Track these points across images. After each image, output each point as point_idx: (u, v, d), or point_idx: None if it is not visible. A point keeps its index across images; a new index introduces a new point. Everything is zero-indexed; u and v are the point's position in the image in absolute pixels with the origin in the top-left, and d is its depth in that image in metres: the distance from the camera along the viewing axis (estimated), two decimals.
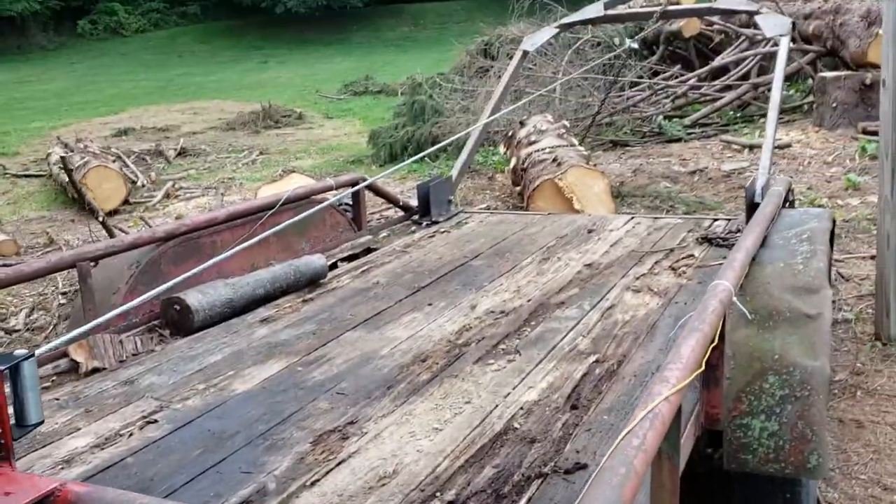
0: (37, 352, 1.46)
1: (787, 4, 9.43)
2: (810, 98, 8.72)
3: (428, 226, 4.48)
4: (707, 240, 3.80)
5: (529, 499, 1.78)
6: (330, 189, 4.05)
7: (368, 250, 4.08)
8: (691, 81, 9.86)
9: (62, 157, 7.89)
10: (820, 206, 5.87)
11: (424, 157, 7.50)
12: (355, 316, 3.08)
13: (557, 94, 9.09)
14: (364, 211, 4.41)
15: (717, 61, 10.04)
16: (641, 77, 9.91)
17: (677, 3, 9.65)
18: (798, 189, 6.30)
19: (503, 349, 2.67)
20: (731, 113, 9.22)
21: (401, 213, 4.76)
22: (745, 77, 9.54)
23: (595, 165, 6.52)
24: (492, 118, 5.31)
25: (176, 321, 3.03)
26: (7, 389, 1.40)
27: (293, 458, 2.01)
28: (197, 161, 10.99)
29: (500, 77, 6.56)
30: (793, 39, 8.17)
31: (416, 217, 4.62)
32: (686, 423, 2.01)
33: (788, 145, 7.64)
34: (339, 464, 1.98)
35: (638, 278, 3.33)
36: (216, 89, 19.68)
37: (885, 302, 3.79)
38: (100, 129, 13.94)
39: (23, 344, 4.62)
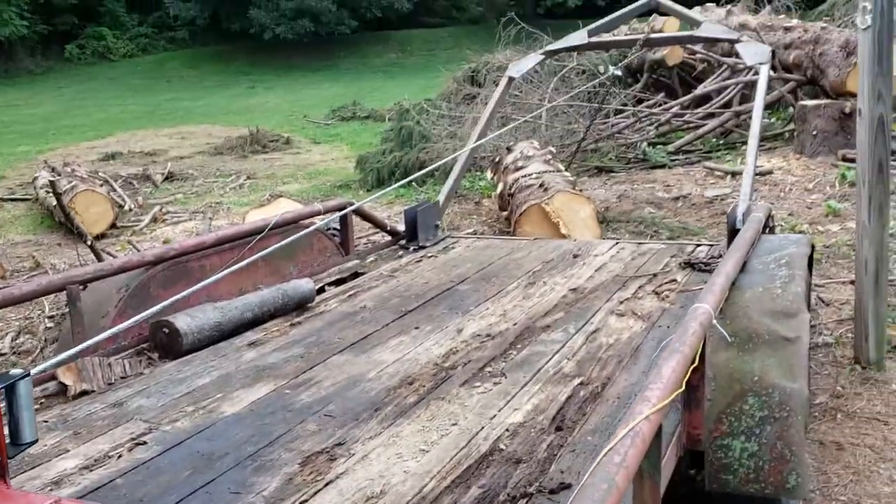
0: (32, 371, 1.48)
1: (767, 34, 9.60)
2: (791, 126, 8.86)
3: (415, 250, 4.53)
4: (690, 265, 3.87)
5: None
6: (318, 213, 4.09)
7: (356, 275, 4.12)
8: (675, 109, 10.00)
9: (51, 181, 7.89)
10: (801, 231, 5.96)
11: (412, 182, 7.56)
12: (343, 339, 3.11)
13: (543, 120, 9.19)
14: (351, 236, 4.45)
15: (700, 89, 10.20)
16: (626, 104, 10.05)
17: (660, 32, 9.86)
18: (780, 215, 6.40)
19: (489, 372, 2.70)
20: (714, 140, 9.35)
21: (388, 238, 4.80)
22: (728, 105, 9.69)
23: (581, 191, 6.60)
24: (478, 143, 5.38)
25: (165, 344, 3.05)
26: (2, 408, 1.42)
27: (282, 479, 2.03)
28: (184, 185, 11.00)
29: (486, 103, 6.65)
30: (773, 68, 8.33)
31: (403, 242, 4.66)
32: (668, 443, 2.05)
33: (770, 172, 7.76)
34: (327, 484, 2.00)
35: (622, 302, 3.39)
36: (204, 114, 19.72)
37: (864, 326, 3.85)
38: (87, 153, 13.93)
39: (9, 368, 4.60)
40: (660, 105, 10.24)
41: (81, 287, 3.00)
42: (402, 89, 17.92)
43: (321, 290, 3.83)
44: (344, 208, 4.18)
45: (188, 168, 12.15)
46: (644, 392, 1.63)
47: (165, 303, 2.23)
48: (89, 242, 6.88)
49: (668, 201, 7.31)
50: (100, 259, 6.08)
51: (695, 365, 1.96)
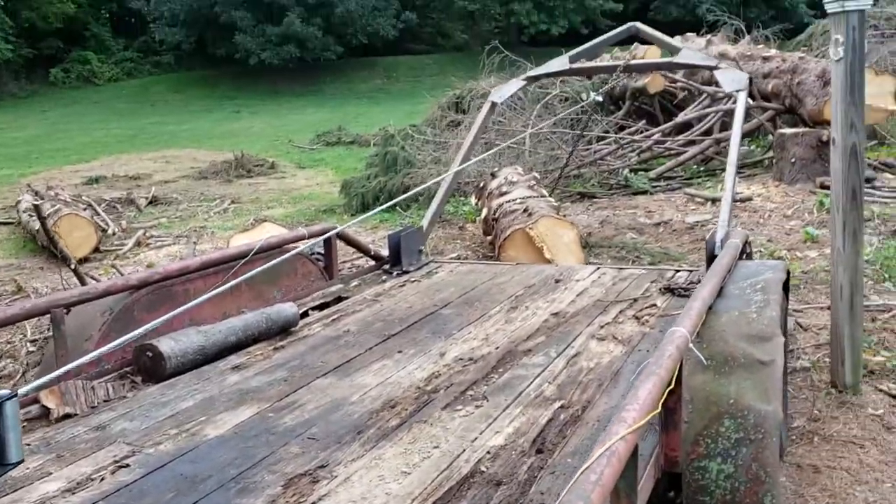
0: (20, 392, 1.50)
1: (746, 63, 9.79)
2: (770, 153, 9.01)
3: (398, 275, 4.56)
4: (669, 290, 3.92)
5: None
6: (302, 238, 4.12)
7: (339, 299, 4.14)
8: (656, 136, 10.15)
9: (35, 205, 7.87)
10: (779, 257, 6.04)
11: (396, 206, 7.61)
12: (326, 363, 3.13)
13: (527, 146, 9.30)
14: (335, 260, 4.48)
15: (681, 117, 10.37)
16: (608, 131, 10.18)
17: (641, 58, 10.02)
18: (759, 241, 6.49)
19: (471, 395, 2.73)
20: (695, 167, 9.49)
21: (372, 263, 4.83)
22: (708, 132, 9.85)
23: (565, 216, 6.67)
24: (462, 167, 5.44)
25: (148, 368, 3.06)
26: None
27: (265, 501, 2.05)
28: (168, 209, 11.00)
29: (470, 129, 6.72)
30: (752, 96, 8.49)
31: (386, 266, 4.69)
32: (645, 465, 2.09)
33: (750, 199, 7.87)
34: None
35: (603, 327, 3.43)
36: (189, 138, 19.74)
37: (840, 351, 3.91)
38: (71, 176, 13.91)
39: None
40: (641, 132, 10.39)
41: (65, 311, 3.01)
42: (388, 115, 18.04)
43: (305, 315, 3.85)
44: (328, 233, 4.21)
45: (172, 192, 12.15)
46: (620, 413, 1.67)
47: (149, 326, 2.24)
48: (73, 266, 6.87)
49: (650, 227, 7.40)
50: (83, 283, 6.06)
51: (671, 387, 2.00)
